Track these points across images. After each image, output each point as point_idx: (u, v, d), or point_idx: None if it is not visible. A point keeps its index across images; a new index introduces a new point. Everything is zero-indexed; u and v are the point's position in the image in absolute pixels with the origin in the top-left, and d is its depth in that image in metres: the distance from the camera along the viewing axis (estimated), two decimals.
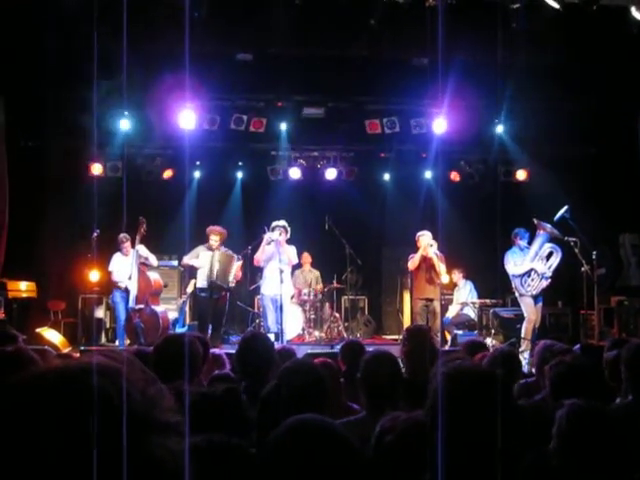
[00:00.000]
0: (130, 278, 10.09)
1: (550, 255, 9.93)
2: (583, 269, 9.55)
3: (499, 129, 12.07)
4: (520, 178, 12.69)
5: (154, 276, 10.42)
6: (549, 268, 9.86)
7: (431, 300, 10.32)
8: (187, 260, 10.36)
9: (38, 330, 10.11)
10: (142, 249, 10.16)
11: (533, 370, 5.77)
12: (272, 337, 7.94)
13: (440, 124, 11.41)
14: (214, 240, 10.21)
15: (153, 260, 10.32)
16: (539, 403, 3.59)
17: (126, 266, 10.21)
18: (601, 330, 10.41)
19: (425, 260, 10.31)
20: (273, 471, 1.65)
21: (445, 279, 10.78)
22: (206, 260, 10.11)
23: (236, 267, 10.27)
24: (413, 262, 10.37)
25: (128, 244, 10.28)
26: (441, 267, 10.30)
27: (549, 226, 9.84)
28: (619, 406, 3.55)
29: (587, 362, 3.78)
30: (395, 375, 3.65)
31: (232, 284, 10.29)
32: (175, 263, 12.21)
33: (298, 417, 1.75)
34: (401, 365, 4.13)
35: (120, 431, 0.78)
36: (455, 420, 1.84)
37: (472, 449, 1.87)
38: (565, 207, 9.67)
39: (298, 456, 1.63)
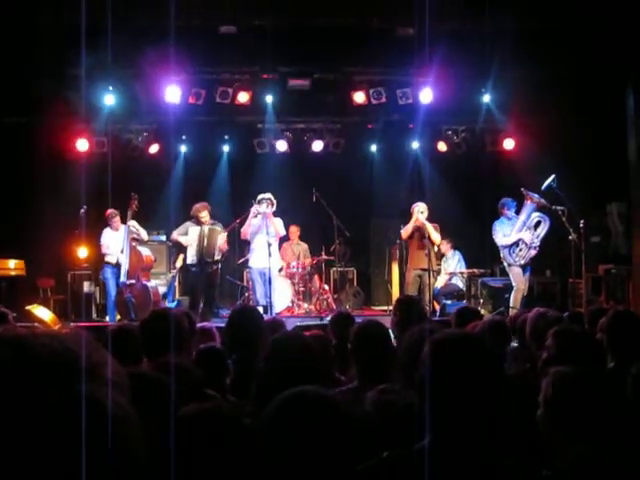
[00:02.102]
0: (122, 253, 10.08)
1: (538, 224, 9.97)
2: (570, 238, 9.60)
3: (486, 98, 12.01)
4: (507, 147, 12.65)
5: (145, 251, 10.42)
6: (537, 237, 9.91)
7: (425, 270, 10.37)
8: (176, 236, 10.36)
9: (28, 307, 10.08)
10: (134, 224, 10.16)
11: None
12: (261, 310, 7.96)
13: (426, 94, 11.37)
14: (205, 216, 10.20)
15: (144, 234, 10.33)
16: (528, 370, 3.63)
17: (117, 241, 10.20)
18: (589, 298, 10.47)
19: (419, 229, 10.34)
20: (271, 442, 1.65)
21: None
22: (195, 236, 10.11)
23: (220, 239, 10.26)
24: (406, 230, 10.42)
25: (117, 219, 10.26)
26: (434, 235, 10.35)
27: (536, 196, 9.87)
28: (602, 373, 3.60)
29: (592, 332, 3.83)
30: (385, 344, 3.67)
31: (218, 257, 10.30)
32: (163, 238, 12.20)
33: (294, 389, 1.76)
34: (392, 335, 4.15)
35: (67, 382, 0.80)
36: (444, 387, 1.85)
37: (461, 416, 1.88)
38: (552, 176, 9.69)
39: (295, 428, 1.63)
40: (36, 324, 8.75)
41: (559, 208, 9.58)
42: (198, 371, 2.77)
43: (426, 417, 1.82)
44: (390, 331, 4.11)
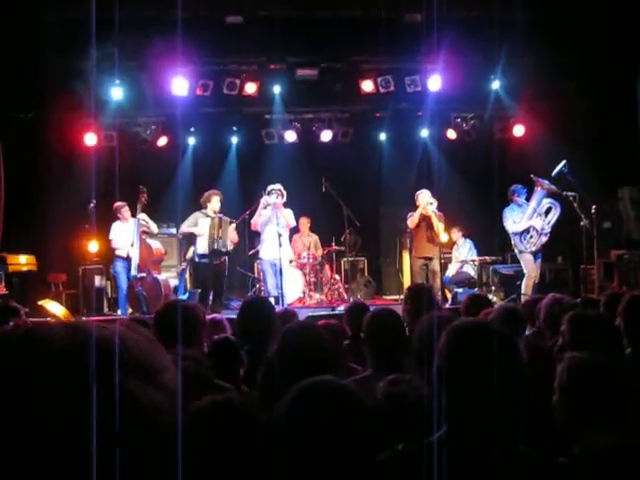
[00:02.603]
0: (132, 246, 10.08)
1: (549, 210, 9.91)
2: (582, 223, 9.54)
3: (495, 85, 11.95)
4: (517, 134, 12.59)
5: (155, 244, 10.41)
6: (548, 224, 9.86)
7: (430, 259, 10.34)
8: (186, 228, 10.29)
9: (40, 302, 10.11)
10: (143, 217, 10.14)
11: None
12: (272, 301, 7.95)
13: (435, 81, 11.33)
14: (216, 202, 10.14)
15: (154, 227, 10.31)
16: (542, 357, 3.59)
17: (126, 234, 10.19)
18: (601, 284, 10.41)
19: (425, 218, 10.30)
20: (288, 433, 1.63)
21: (444, 238, 10.77)
22: (206, 226, 10.07)
23: (231, 231, 10.26)
24: (412, 220, 10.36)
25: (126, 209, 10.24)
26: (439, 226, 10.29)
27: (546, 182, 9.81)
28: (618, 358, 3.57)
29: (607, 317, 3.79)
30: (398, 331, 3.65)
31: (230, 248, 10.30)
32: (173, 230, 12.18)
33: (311, 380, 1.73)
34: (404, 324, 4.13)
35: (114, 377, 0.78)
36: (461, 376, 1.83)
37: (478, 405, 1.86)
38: (563, 162, 9.62)
39: (314, 419, 1.61)
40: (48, 319, 8.78)
41: (570, 194, 9.51)
42: (208, 362, 2.76)
43: (442, 407, 1.79)
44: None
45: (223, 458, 1.80)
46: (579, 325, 3.30)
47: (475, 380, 1.85)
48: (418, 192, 10.48)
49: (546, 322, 4.11)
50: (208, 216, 10.14)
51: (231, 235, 10.22)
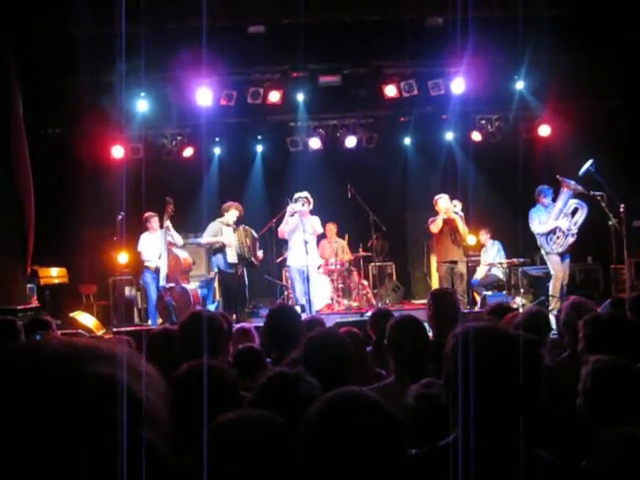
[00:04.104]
0: (160, 257, 10.17)
1: (575, 211, 9.82)
2: (610, 223, 9.44)
3: (519, 85, 11.87)
4: (543, 134, 12.50)
5: (183, 255, 10.47)
6: (575, 224, 9.76)
7: (455, 262, 10.29)
8: (212, 238, 10.30)
9: (71, 314, 10.26)
10: (168, 224, 10.18)
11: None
12: (298, 309, 7.96)
13: (458, 84, 11.29)
14: (234, 217, 10.20)
15: (178, 239, 10.37)
16: (566, 360, 3.57)
17: (154, 245, 10.28)
18: (632, 284, 10.28)
19: (447, 222, 10.25)
20: (317, 445, 1.63)
21: (471, 240, 10.71)
22: (231, 236, 10.12)
23: (257, 246, 10.39)
24: (436, 225, 10.31)
25: (156, 219, 10.34)
26: (462, 228, 10.25)
27: (573, 182, 9.72)
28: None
29: (623, 316, 3.75)
30: (420, 338, 3.65)
31: (256, 262, 10.38)
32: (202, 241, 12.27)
33: (338, 391, 1.74)
34: (428, 328, 4.13)
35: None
36: (475, 383, 1.83)
37: (494, 411, 1.86)
38: (590, 161, 9.53)
39: (345, 430, 1.61)
40: (80, 331, 8.91)
41: (597, 193, 9.41)
42: (233, 371, 2.79)
43: (455, 411, 1.80)
44: (426, 324, 4.08)
45: (249, 469, 1.82)
46: (594, 329, 3.28)
47: (481, 384, 1.84)
48: (437, 197, 10.44)
49: (565, 326, 4.08)
50: (229, 225, 10.19)
51: (258, 252, 10.33)
